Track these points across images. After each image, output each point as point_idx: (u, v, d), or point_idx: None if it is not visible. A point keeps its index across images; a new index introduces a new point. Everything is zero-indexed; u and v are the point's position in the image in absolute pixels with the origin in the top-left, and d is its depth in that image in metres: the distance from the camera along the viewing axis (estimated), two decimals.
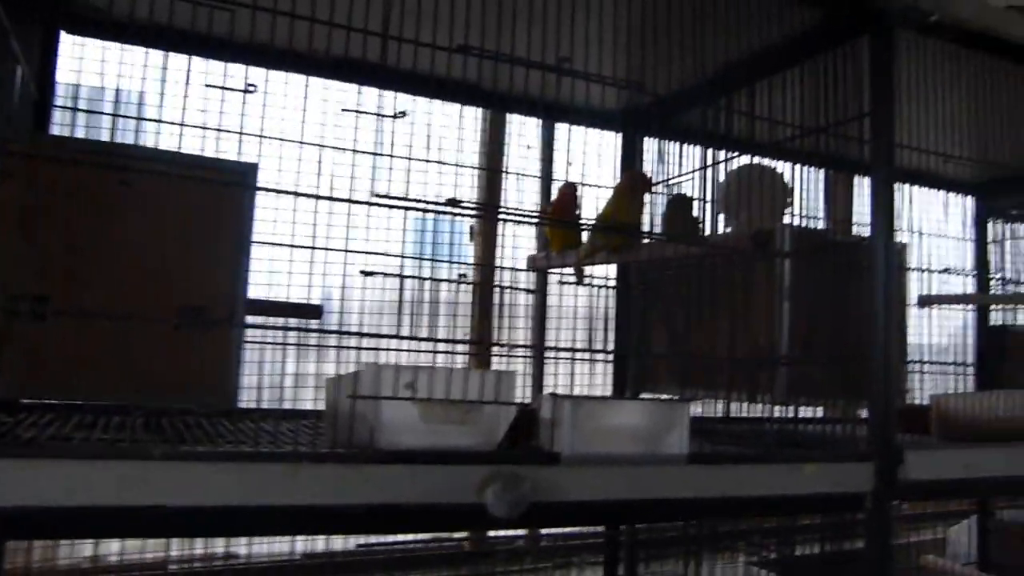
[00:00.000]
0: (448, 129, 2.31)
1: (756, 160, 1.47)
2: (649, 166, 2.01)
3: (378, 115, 1.08)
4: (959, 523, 2.70)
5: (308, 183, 1.34)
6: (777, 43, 1.54)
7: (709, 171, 1.70)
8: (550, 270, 2.00)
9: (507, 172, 2.35)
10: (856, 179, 3.15)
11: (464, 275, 1.93)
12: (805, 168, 1.59)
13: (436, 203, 1.12)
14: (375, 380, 1.06)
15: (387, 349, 1.19)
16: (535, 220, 1.38)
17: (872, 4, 1.35)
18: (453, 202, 1.10)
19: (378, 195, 1.08)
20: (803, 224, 1.63)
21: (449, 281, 2.02)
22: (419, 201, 1.11)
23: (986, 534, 2.57)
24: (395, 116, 1.08)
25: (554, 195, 1.88)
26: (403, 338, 1.17)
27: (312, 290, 2.09)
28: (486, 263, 2.39)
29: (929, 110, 1.93)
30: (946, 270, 1.94)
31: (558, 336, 2.40)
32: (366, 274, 1.08)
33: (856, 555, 2.91)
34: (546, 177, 2.40)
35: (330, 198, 1.10)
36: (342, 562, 2.24)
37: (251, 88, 1.17)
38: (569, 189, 1.75)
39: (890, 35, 1.37)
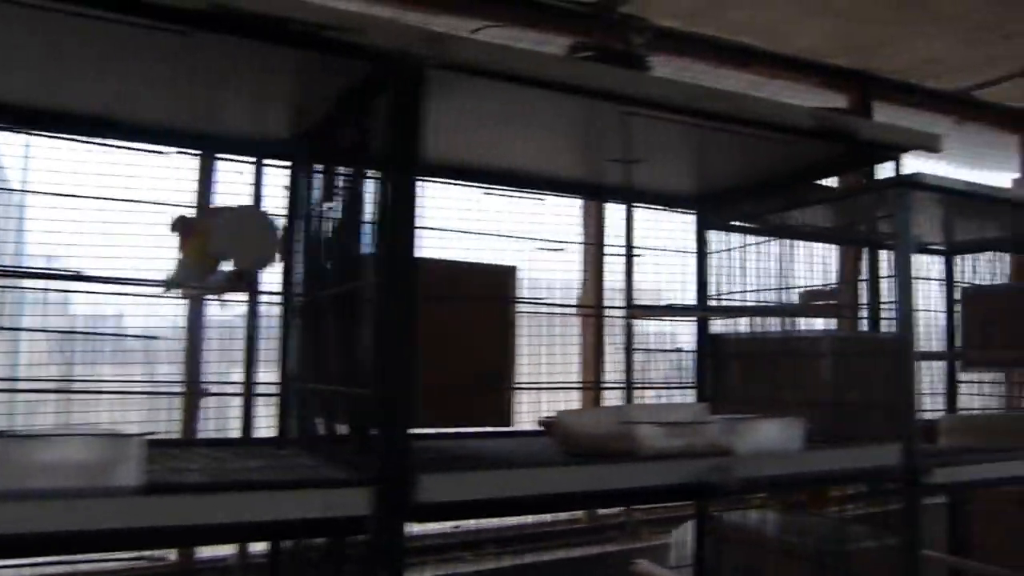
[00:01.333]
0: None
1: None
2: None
3: None
4: (681, 527, 2.79)
5: None
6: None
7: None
8: None
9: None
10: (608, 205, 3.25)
11: None
12: None
13: None
14: None
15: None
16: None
17: (369, 53, 1.41)
18: None
19: None
20: None
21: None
22: None
23: (703, 537, 2.66)
24: None
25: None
26: None
27: None
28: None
29: None
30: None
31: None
32: None
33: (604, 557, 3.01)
34: None
35: None
36: None
37: None
38: (181, 223, 1.81)
39: (397, 79, 1.45)
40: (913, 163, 2.71)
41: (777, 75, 3.55)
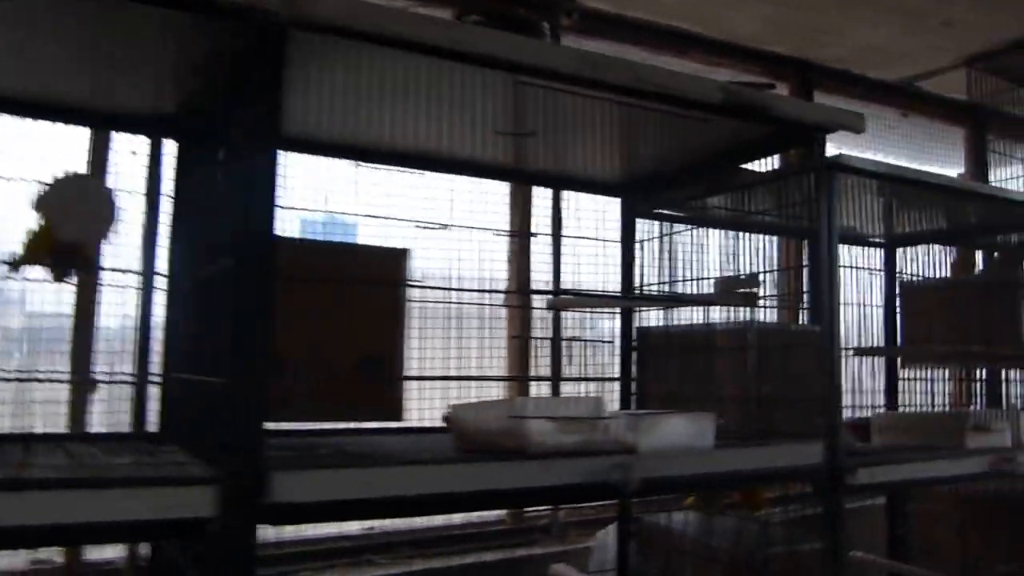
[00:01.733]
0: None
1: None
2: None
3: None
4: (605, 529, 2.67)
5: None
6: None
7: None
8: None
9: None
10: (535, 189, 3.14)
11: None
12: None
13: None
14: None
15: None
16: None
17: (210, 7, 1.28)
18: None
19: None
20: None
21: None
22: None
23: (625, 540, 2.53)
24: None
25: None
26: None
27: None
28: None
29: None
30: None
31: None
32: None
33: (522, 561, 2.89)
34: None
35: None
36: None
37: None
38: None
39: (252, 40, 1.32)
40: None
41: (717, 63, 3.44)
